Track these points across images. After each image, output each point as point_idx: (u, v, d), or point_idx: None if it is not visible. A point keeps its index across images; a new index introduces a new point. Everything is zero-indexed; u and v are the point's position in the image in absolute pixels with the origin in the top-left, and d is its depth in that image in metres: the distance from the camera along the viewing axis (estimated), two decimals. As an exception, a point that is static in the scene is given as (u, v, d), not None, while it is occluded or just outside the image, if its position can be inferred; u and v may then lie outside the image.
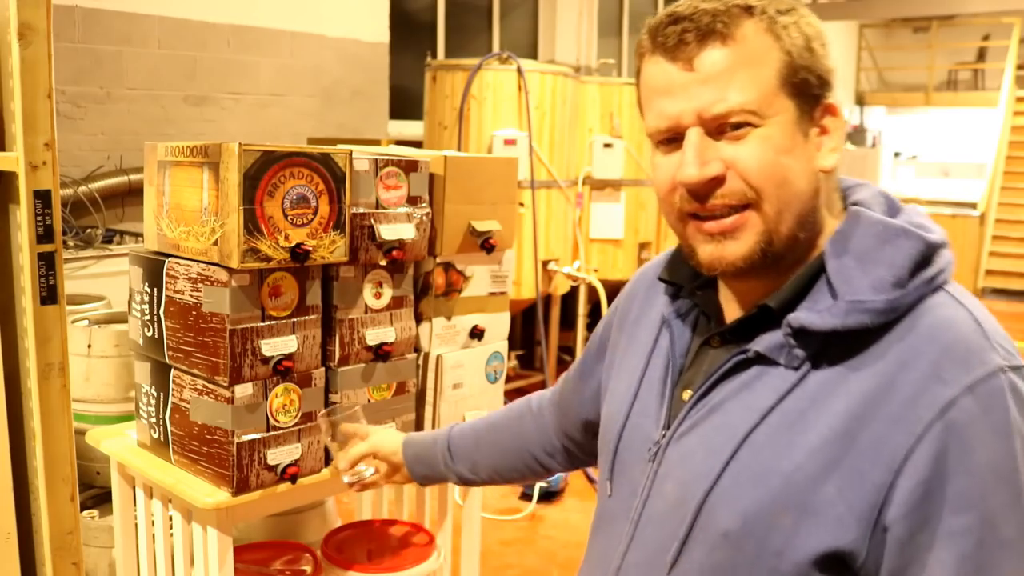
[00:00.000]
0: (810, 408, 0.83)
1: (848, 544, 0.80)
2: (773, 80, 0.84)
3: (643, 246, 5.62)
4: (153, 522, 1.90)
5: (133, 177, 4.39)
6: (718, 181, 0.86)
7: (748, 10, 0.85)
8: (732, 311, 0.96)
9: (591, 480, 4.03)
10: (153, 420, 1.83)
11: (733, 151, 0.85)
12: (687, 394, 0.94)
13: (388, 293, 1.90)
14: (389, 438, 1.46)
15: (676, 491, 0.91)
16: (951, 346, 0.81)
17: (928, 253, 0.85)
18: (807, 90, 0.86)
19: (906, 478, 0.78)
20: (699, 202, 0.87)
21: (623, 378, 1.06)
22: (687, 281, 1.00)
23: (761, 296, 0.90)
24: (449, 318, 2.02)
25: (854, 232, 0.87)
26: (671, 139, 0.88)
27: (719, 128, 0.85)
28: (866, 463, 0.79)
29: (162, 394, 1.80)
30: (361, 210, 1.81)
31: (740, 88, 0.84)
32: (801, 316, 0.85)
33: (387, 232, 1.84)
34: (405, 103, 6.18)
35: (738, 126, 0.84)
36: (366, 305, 1.86)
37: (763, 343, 0.88)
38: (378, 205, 1.85)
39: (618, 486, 1.02)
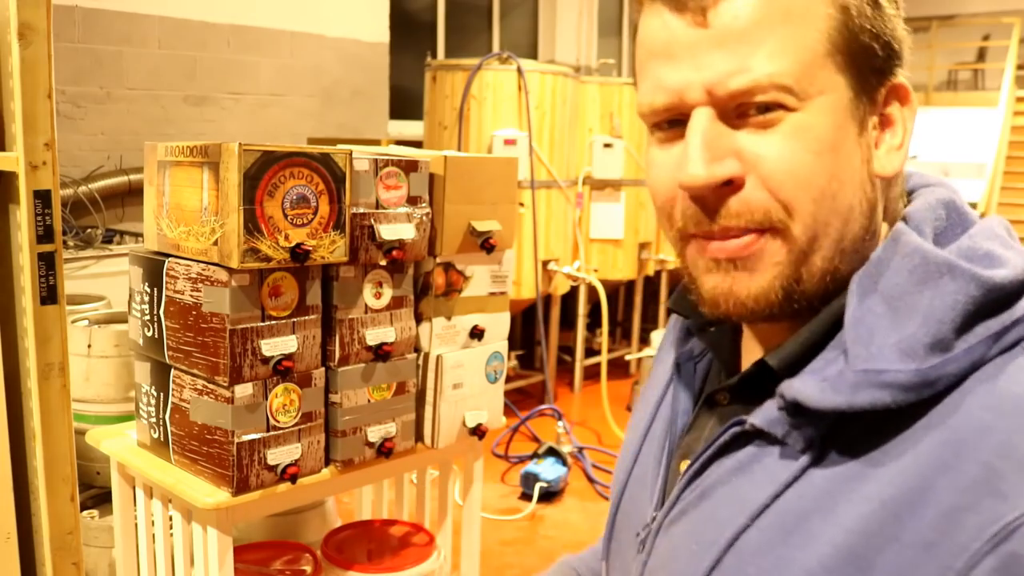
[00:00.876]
0: (814, 512, 0.59)
1: None
2: (820, 45, 0.60)
3: (643, 246, 5.62)
4: (153, 522, 1.90)
5: (133, 177, 4.39)
6: (734, 187, 0.62)
7: None
8: (750, 356, 0.71)
9: (591, 480, 4.03)
10: (153, 420, 1.83)
11: (757, 145, 0.61)
12: (684, 465, 0.71)
13: (388, 293, 1.90)
14: None
15: None
16: (1017, 442, 0.54)
17: (990, 298, 0.58)
18: (869, 62, 0.61)
19: None
20: (708, 216, 0.63)
21: (631, 434, 0.83)
22: (697, 315, 0.73)
23: (777, 344, 0.67)
24: (449, 318, 2.02)
25: (889, 263, 0.62)
26: (672, 122, 0.64)
27: (739, 110, 0.61)
28: None
29: (162, 394, 1.80)
30: (361, 210, 1.81)
31: (772, 53, 0.59)
32: (797, 386, 0.61)
33: (387, 232, 1.84)
34: (405, 103, 6.18)
35: (767, 108, 0.60)
36: (366, 305, 1.86)
37: (762, 415, 0.64)
38: (378, 205, 1.85)
39: (612, 569, 0.81)
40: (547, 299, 5.15)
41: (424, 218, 1.93)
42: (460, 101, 4.69)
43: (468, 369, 2.06)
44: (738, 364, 0.74)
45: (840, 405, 0.58)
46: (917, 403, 0.57)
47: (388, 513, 2.47)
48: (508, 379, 2.03)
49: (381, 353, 1.87)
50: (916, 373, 0.56)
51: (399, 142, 4.68)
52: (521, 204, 4.63)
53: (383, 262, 1.86)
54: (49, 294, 1.49)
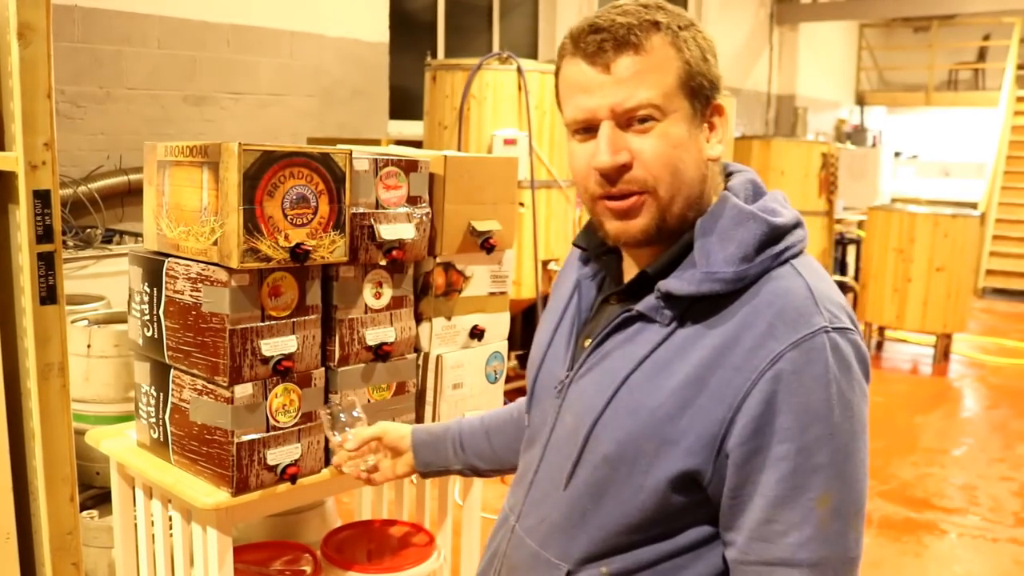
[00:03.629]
0: (675, 358, 1.00)
1: (696, 466, 0.98)
2: (674, 83, 1.01)
3: (643, 246, 5.61)
4: (153, 522, 1.90)
5: (133, 177, 4.38)
6: (626, 167, 1.02)
7: (656, 25, 1.02)
8: (630, 274, 1.12)
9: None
10: (153, 420, 1.83)
11: (639, 143, 1.02)
12: (587, 343, 1.11)
13: (388, 293, 1.90)
14: (395, 425, 1.50)
15: (572, 422, 1.09)
16: (784, 310, 0.97)
17: (773, 233, 1.02)
18: (701, 92, 1.03)
19: (742, 415, 0.96)
20: (610, 185, 1.03)
21: (544, 330, 1.24)
22: (595, 248, 1.17)
23: (649, 263, 1.07)
24: (449, 318, 2.02)
25: (719, 214, 1.04)
26: (586, 129, 1.04)
27: (628, 121, 1.01)
28: (712, 402, 0.97)
29: (162, 394, 1.80)
30: (361, 210, 1.81)
31: (647, 87, 1.00)
32: (668, 283, 1.03)
33: (387, 232, 1.84)
34: (405, 103, 6.18)
35: (644, 120, 1.01)
36: (366, 305, 1.85)
37: (644, 304, 1.05)
38: (378, 205, 1.85)
39: (534, 417, 1.21)
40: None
41: (424, 218, 1.93)
42: (460, 101, 4.69)
43: (468, 369, 2.06)
44: (622, 279, 1.14)
45: (692, 292, 1.01)
46: (733, 292, 1.00)
47: (388, 513, 2.47)
48: (508, 379, 2.06)
49: (381, 353, 1.86)
50: (734, 273, 1.00)
51: (399, 142, 4.68)
52: (521, 204, 4.63)
53: (383, 262, 1.86)
54: (49, 294, 1.48)
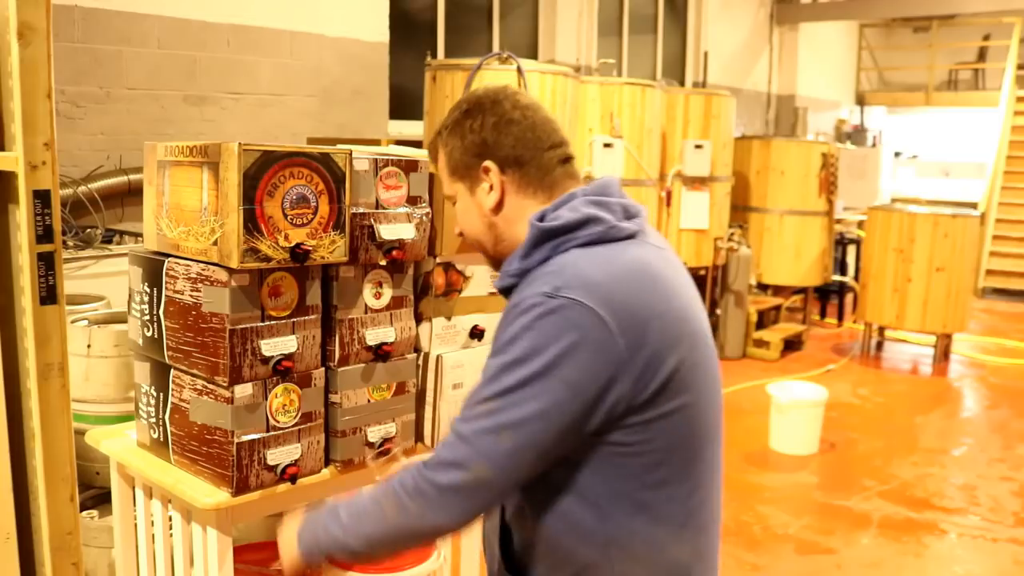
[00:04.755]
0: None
1: None
2: (448, 175, 1.43)
3: (643, 246, 5.60)
4: (153, 522, 1.90)
5: (133, 177, 4.38)
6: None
7: (439, 134, 1.43)
8: None
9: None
10: (153, 420, 1.83)
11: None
12: None
13: (388, 293, 1.90)
14: None
15: None
16: (535, 278, 1.28)
17: (544, 235, 1.31)
18: (468, 169, 1.39)
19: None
20: None
21: None
22: None
23: None
24: (449, 318, 2.02)
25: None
26: None
27: None
28: None
29: (162, 394, 1.80)
30: (361, 210, 1.81)
31: (444, 184, 1.45)
32: (495, 282, 1.39)
33: (387, 232, 1.84)
34: (405, 103, 6.18)
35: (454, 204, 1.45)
36: (366, 305, 1.85)
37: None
38: (378, 205, 1.85)
39: None
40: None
41: (424, 218, 1.93)
42: (460, 101, 4.69)
43: (468, 369, 2.05)
44: None
45: (498, 286, 1.37)
46: (527, 280, 1.31)
47: (388, 513, 2.46)
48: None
49: (381, 353, 1.86)
50: (516, 268, 1.33)
51: (399, 142, 4.67)
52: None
53: (383, 262, 1.86)
54: (48, 294, 1.49)
